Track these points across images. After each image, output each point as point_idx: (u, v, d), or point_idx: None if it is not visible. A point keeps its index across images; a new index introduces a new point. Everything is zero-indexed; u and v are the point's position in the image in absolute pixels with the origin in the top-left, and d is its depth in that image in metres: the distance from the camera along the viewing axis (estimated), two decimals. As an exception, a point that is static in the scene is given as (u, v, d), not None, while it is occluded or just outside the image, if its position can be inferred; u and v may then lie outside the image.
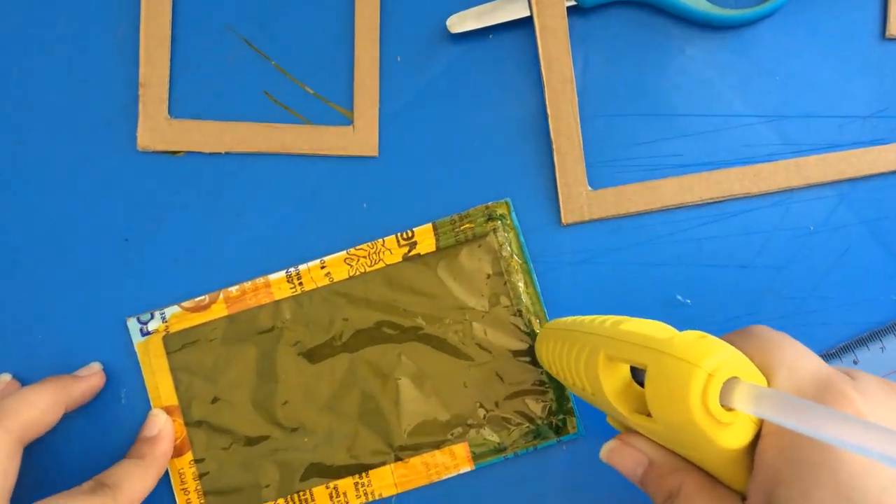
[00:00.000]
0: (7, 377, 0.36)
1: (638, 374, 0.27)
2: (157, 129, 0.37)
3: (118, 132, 0.37)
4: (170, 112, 0.37)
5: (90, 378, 0.35)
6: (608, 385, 0.27)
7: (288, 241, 0.37)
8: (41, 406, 0.32)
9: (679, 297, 0.36)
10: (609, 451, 0.28)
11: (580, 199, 0.36)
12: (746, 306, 0.36)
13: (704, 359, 0.22)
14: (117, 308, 0.37)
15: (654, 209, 0.36)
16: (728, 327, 0.36)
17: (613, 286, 0.36)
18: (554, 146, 0.36)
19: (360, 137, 0.37)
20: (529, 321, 0.36)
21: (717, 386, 0.22)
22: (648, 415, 0.25)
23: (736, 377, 0.23)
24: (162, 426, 0.35)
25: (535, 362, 0.36)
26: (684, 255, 0.36)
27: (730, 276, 0.36)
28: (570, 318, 0.32)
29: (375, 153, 0.37)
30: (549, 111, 0.36)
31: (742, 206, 0.36)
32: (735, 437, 0.23)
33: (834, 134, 0.36)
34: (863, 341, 0.35)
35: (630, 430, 0.28)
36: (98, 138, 0.37)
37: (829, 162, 0.36)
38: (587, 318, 0.30)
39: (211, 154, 0.37)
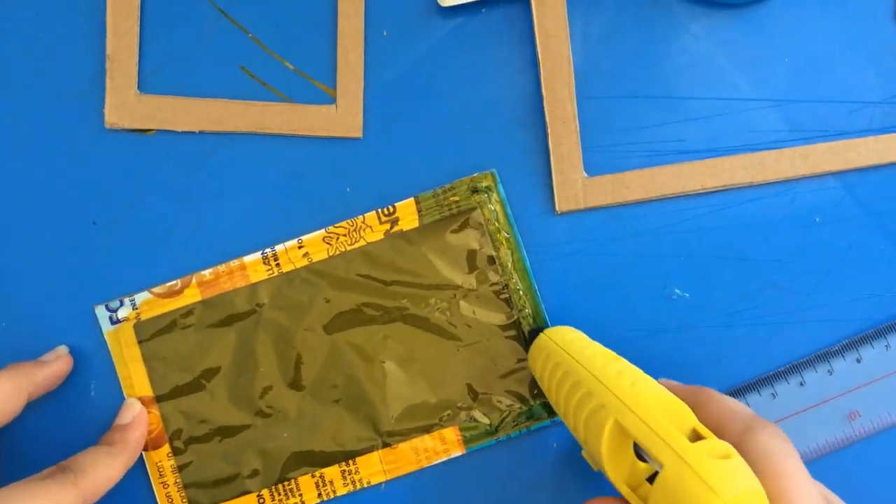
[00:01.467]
0: None
1: (641, 450, 0.25)
2: (125, 105, 0.35)
3: (84, 108, 0.35)
4: (139, 87, 0.35)
5: (55, 363, 0.33)
6: (607, 449, 0.26)
7: (265, 226, 0.35)
8: (1, 394, 0.30)
9: (677, 291, 0.35)
10: None
11: (575, 187, 0.34)
12: (747, 301, 0.34)
13: (726, 488, 0.21)
14: (84, 295, 0.35)
15: (653, 198, 0.34)
16: (727, 322, 0.34)
17: (609, 278, 0.35)
18: (549, 129, 0.34)
19: (344, 117, 0.35)
20: (519, 298, 0.34)
21: None
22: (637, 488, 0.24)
23: None
24: (136, 414, 0.34)
25: (523, 341, 0.34)
26: (683, 247, 0.35)
27: (730, 269, 0.35)
28: (572, 334, 0.31)
29: (359, 134, 0.35)
30: (543, 92, 0.34)
31: (745, 195, 0.35)
32: None
33: (843, 120, 0.35)
34: (867, 339, 0.34)
35: (602, 474, 0.27)
36: (63, 114, 0.35)
37: (836, 150, 0.34)
38: (592, 346, 0.29)
39: (184, 133, 0.35)
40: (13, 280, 0.35)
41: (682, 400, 0.25)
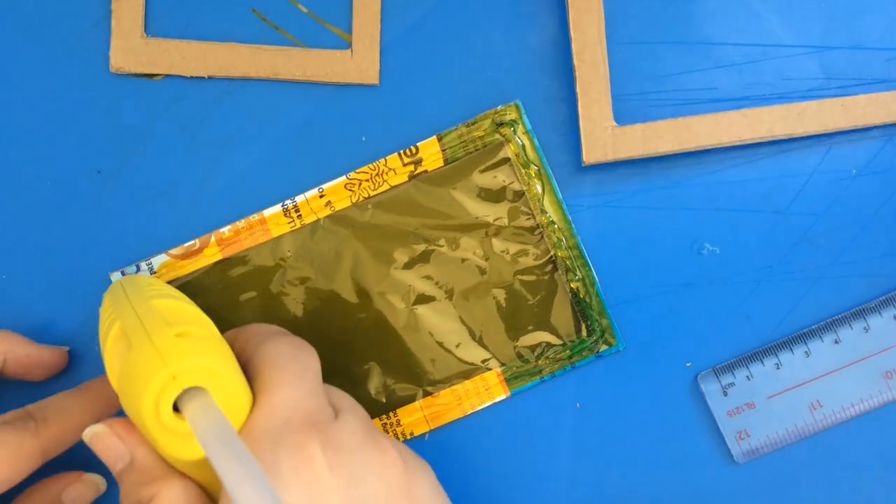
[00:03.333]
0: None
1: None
2: (132, 48, 0.33)
3: (89, 51, 0.33)
4: (146, 30, 0.33)
5: (46, 349, 0.31)
6: (110, 362, 0.25)
7: (277, 177, 0.33)
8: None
9: (707, 245, 0.33)
10: (92, 433, 0.26)
11: (604, 136, 0.33)
12: (780, 256, 0.33)
13: (179, 360, 0.22)
14: (93, 254, 0.33)
15: (687, 149, 0.33)
16: (759, 278, 0.33)
17: (637, 232, 0.33)
18: (577, 75, 0.33)
19: (359, 63, 0.33)
20: (554, 232, 0.33)
21: (176, 391, 0.22)
22: None
23: (202, 388, 0.22)
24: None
25: (558, 276, 0.33)
26: (713, 199, 0.33)
27: (762, 223, 0.33)
28: (146, 280, 0.30)
29: (376, 81, 0.34)
30: (572, 35, 0.33)
31: (778, 146, 0.33)
32: (189, 448, 0.23)
33: (882, 68, 0.33)
34: (905, 295, 0.33)
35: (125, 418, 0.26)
36: (66, 57, 0.33)
37: (879, 103, 0.33)
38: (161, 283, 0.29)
39: (192, 78, 0.34)
40: (17, 241, 0.33)
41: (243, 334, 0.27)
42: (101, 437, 0.25)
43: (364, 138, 0.34)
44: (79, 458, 0.31)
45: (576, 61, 0.33)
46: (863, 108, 0.33)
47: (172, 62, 0.33)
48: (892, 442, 0.33)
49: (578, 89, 0.33)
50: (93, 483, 0.31)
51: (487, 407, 0.33)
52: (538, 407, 0.33)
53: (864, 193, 0.33)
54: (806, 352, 0.33)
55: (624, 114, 0.33)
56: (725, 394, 0.33)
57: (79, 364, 0.33)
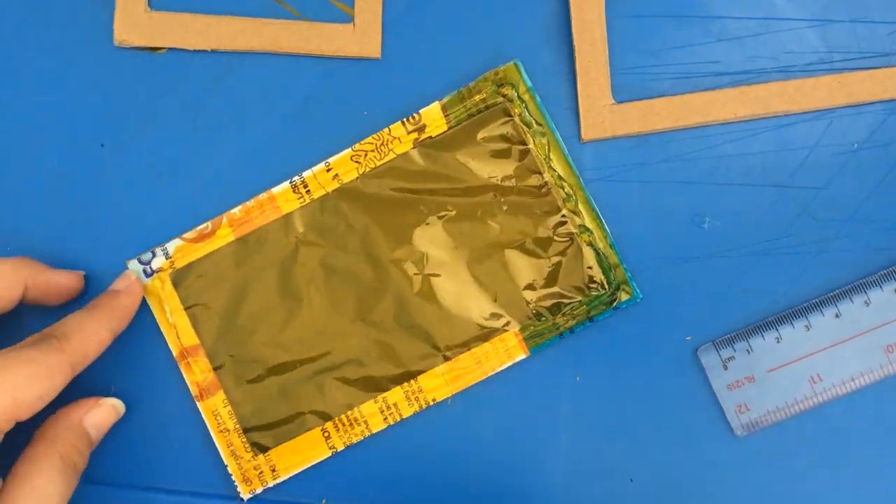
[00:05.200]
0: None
1: None
2: (136, 21, 0.33)
3: (92, 23, 0.34)
4: (150, 3, 0.34)
5: (65, 274, 0.32)
6: None
7: (280, 151, 0.34)
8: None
9: (708, 219, 0.33)
10: None
11: (602, 114, 0.33)
12: (781, 229, 0.33)
13: None
14: (96, 227, 0.34)
15: (683, 126, 0.33)
16: (759, 251, 0.33)
17: (637, 206, 0.33)
18: (576, 51, 0.33)
19: (361, 37, 0.34)
20: (562, 188, 0.33)
21: None
22: None
23: None
24: (130, 284, 0.32)
25: (570, 231, 0.33)
26: (714, 174, 0.33)
27: (764, 197, 0.33)
28: None
29: (378, 55, 0.34)
30: (572, 13, 0.33)
31: (779, 120, 0.33)
32: None
33: (884, 42, 0.33)
34: (906, 269, 0.33)
35: None
36: (70, 30, 0.34)
37: (877, 79, 0.33)
38: None
39: (196, 51, 0.34)
40: (20, 216, 0.34)
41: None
42: None
43: (366, 112, 0.34)
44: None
45: (575, 38, 0.33)
46: (860, 85, 0.33)
47: (176, 36, 0.34)
48: (892, 416, 0.33)
49: (578, 68, 0.33)
50: (112, 406, 0.32)
51: (508, 368, 0.33)
52: (557, 364, 0.33)
53: (866, 167, 0.33)
54: (806, 325, 0.33)
55: (623, 88, 0.33)
56: (725, 367, 0.33)
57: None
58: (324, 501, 0.34)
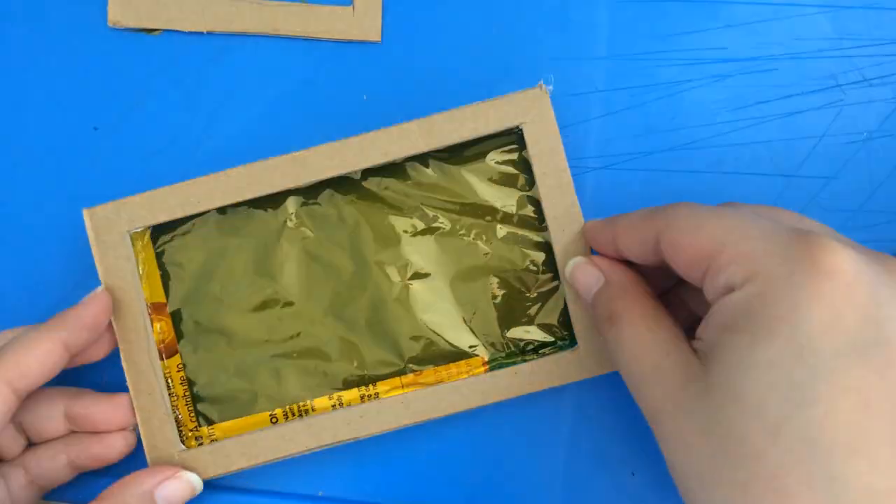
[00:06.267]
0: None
1: None
2: (130, 2, 0.33)
3: (86, 4, 0.33)
4: (145, -17, 0.33)
5: (91, 303, 0.29)
6: None
7: (276, 135, 0.33)
8: (39, 351, 0.27)
9: (714, 208, 0.33)
10: (573, 266, 0.29)
11: (607, 96, 0.32)
12: (788, 220, 0.32)
13: None
14: (85, 202, 0.33)
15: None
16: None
17: (642, 195, 0.33)
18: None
19: (361, 19, 0.33)
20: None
21: None
22: None
23: None
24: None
25: (556, 274, 0.32)
26: (720, 163, 0.33)
27: (773, 187, 0.33)
28: None
29: (378, 38, 0.33)
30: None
31: (786, 106, 0.32)
32: None
33: (896, 28, 0.32)
34: (916, 261, 0.32)
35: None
36: (63, 10, 0.33)
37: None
38: None
39: (191, 33, 0.33)
40: (8, 185, 0.33)
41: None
42: (580, 268, 0.29)
43: (365, 97, 0.33)
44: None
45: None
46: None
47: (171, 17, 0.33)
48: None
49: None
50: (189, 483, 0.30)
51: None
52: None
53: (876, 156, 0.32)
54: (813, 318, 0.32)
55: (629, 75, 0.33)
56: (730, 360, 0.32)
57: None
58: (321, 492, 0.33)
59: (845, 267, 0.21)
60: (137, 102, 0.33)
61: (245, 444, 0.31)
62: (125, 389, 0.31)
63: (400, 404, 0.31)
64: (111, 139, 0.33)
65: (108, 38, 0.33)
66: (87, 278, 0.33)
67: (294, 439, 0.31)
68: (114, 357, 0.32)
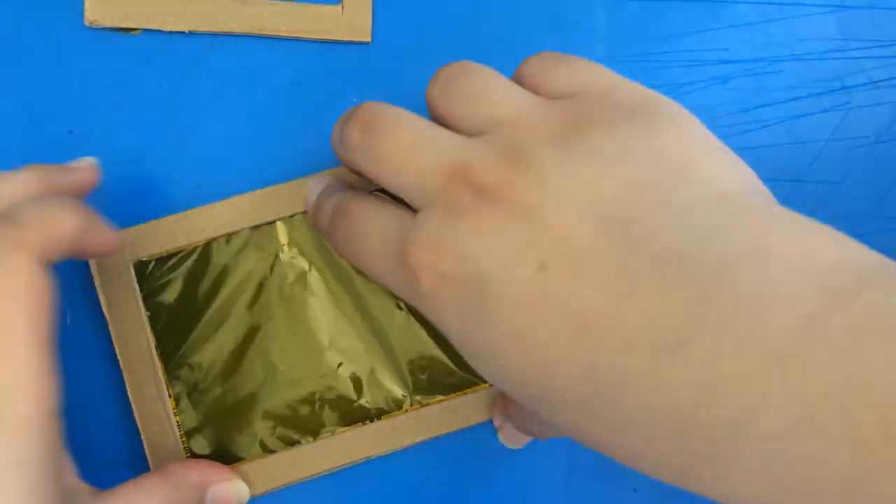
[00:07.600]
0: None
1: None
2: (108, 0, 0.31)
3: (62, 2, 0.31)
4: (123, -20, 0.32)
5: (81, 171, 0.27)
6: None
7: (263, 140, 0.32)
8: (12, 187, 0.24)
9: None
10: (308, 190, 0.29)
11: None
12: (794, 226, 0.31)
13: None
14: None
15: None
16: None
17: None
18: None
19: (350, 19, 0.32)
20: None
21: None
22: None
23: None
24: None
25: None
26: (724, 167, 0.32)
27: (778, 192, 0.31)
28: None
29: (368, 38, 0.32)
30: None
31: (792, 109, 0.32)
32: None
33: (902, 29, 0.32)
34: (926, 268, 0.31)
35: None
36: (37, 8, 0.31)
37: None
38: None
39: (173, 33, 0.32)
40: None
41: None
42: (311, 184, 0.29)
43: (355, 98, 0.32)
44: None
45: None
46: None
47: (151, 15, 0.31)
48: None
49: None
50: (240, 493, 0.29)
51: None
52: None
53: (884, 160, 0.32)
54: (821, 328, 0.31)
55: (629, 76, 0.31)
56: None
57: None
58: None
59: None
60: (115, 105, 0.32)
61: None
62: (132, 423, 0.30)
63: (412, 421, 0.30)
64: (87, 143, 0.32)
65: (85, 37, 0.32)
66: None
67: (311, 462, 0.30)
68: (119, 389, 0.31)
